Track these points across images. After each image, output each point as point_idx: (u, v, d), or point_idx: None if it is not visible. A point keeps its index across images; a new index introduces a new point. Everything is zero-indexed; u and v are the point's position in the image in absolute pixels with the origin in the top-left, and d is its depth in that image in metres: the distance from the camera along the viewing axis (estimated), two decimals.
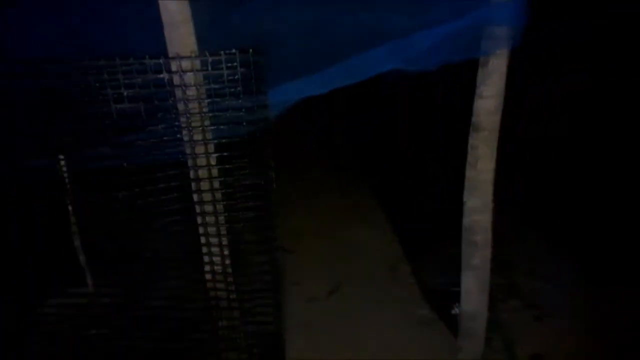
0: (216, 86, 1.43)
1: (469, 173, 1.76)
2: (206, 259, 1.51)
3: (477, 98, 1.66)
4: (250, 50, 1.39)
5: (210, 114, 1.42)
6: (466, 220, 1.83)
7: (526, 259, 2.99)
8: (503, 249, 2.99)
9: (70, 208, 1.49)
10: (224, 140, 1.50)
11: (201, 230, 1.52)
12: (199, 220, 1.52)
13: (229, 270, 1.51)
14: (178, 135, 1.37)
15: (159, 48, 1.34)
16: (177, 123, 1.35)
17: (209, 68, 1.35)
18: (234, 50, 1.36)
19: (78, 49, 1.39)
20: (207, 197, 1.47)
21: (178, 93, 1.34)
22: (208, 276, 1.52)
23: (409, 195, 3.62)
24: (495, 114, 1.66)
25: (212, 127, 1.46)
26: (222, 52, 1.35)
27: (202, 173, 1.44)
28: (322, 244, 3.28)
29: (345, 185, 4.19)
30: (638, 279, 2.60)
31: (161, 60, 1.30)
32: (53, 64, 1.33)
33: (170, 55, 1.33)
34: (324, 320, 2.50)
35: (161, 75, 1.29)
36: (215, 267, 1.52)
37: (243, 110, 1.48)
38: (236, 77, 1.38)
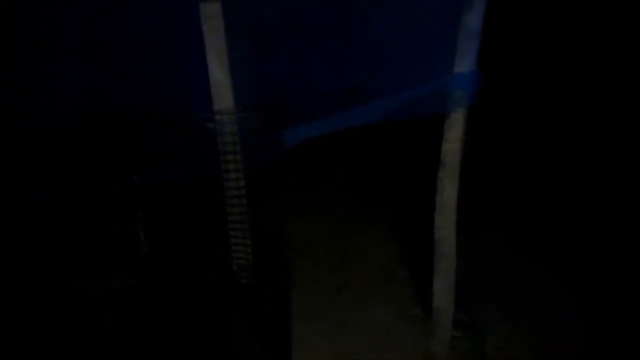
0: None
1: (437, 199, 2.27)
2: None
3: (444, 142, 2.18)
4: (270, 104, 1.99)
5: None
6: (436, 235, 2.34)
7: (510, 269, 3.45)
8: (487, 260, 3.49)
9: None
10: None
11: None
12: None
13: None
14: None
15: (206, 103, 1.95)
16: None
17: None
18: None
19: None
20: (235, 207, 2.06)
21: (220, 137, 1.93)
22: None
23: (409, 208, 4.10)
24: (457, 154, 2.17)
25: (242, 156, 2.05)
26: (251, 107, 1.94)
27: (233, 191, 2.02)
28: (332, 248, 3.81)
29: (353, 198, 4.72)
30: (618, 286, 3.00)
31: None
32: None
33: (215, 108, 1.92)
34: (329, 312, 3.03)
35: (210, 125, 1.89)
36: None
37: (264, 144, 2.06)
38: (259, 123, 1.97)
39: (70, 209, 2.16)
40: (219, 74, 1.91)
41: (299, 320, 2.75)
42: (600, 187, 3.78)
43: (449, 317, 2.43)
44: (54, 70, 2.09)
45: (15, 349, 2.25)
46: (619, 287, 3.01)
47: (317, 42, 2.12)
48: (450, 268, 2.35)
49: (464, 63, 2.04)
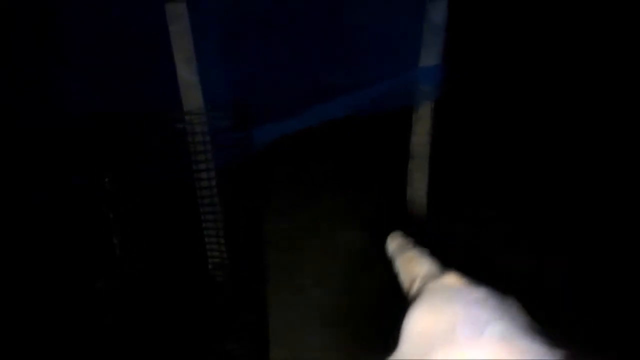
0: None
1: (408, 190, 2.32)
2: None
3: (412, 134, 2.23)
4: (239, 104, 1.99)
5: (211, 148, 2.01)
6: (409, 227, 2.39)
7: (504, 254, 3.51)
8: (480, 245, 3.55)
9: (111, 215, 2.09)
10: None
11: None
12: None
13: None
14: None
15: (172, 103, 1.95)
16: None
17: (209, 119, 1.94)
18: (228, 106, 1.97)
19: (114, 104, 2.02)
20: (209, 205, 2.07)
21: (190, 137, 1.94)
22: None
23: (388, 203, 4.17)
24: (425, 147, 2.22)
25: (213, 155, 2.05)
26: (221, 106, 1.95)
27: (205, 191, 2.03)
28: (310, 243, 3.84)
29: (331, 191, 4.76)
30: None
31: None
32: None
33: (185, 109, 1.93)
34: (306, 306, 3.06)
35: (180, 125, 1.90)
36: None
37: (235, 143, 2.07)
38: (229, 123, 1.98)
39: (41, 213, 2.14)
40: (187, 74, 1.92)
41: (275, 316, 2.77)
42: (593, 176, 3.87)
43: None
44: (53, 72, 2.09)
45: (11, 347, 2.24)
46: (615, 277, 3.10)
47: (285, 40, 2.14)
48: None
49: (430, 57, 2.09)
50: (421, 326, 0.47)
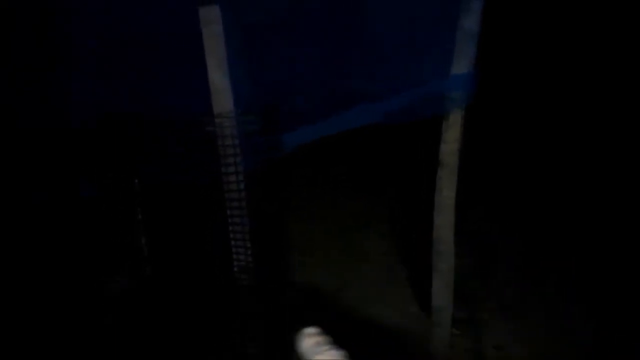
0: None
1: (436, 198, 2.28)
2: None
3: (442, 142, 2.20)
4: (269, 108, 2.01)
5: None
6: (434, 234, 2.36)
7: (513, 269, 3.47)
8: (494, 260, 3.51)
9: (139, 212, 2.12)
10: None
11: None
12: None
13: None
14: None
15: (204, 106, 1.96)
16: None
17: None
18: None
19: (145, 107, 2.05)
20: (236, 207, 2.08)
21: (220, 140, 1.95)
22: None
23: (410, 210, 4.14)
24: (455, 155, 2.19)
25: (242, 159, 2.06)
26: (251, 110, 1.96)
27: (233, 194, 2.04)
28: (333, 248, 3.83)
29: (352, 195, 4.75)
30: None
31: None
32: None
33: (215, 112, 1.94)
34: (330, 312, 3.05)
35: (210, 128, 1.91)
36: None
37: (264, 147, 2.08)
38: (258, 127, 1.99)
39: (72, 211, 2.17)
40: (218, 78, 1.93)
41: (299, 320, 2.77)
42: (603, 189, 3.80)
43: (448, 315, 2.46)
44: (58, 74, 2.13)
45: (16, 348, 2.27)
46: (621, 290, 3.03)
47: (316, 45, 2.14)
48: (449, 267, 2.37)
49: (462, 64, 2.06)
50: None
